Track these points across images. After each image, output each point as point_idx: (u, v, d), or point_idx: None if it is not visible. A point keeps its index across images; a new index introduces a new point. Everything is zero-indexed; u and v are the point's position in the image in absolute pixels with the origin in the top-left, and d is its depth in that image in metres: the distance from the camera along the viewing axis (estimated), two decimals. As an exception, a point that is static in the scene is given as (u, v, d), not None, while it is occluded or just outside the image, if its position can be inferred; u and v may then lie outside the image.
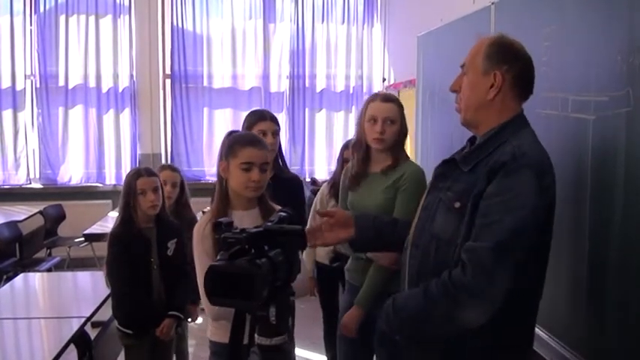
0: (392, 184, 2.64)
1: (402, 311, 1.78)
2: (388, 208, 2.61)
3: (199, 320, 3.54)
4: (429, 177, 2.19)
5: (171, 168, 3.65)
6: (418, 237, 1.92)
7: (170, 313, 3.13)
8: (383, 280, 2.61)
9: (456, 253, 1.77)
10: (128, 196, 3.08)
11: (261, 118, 2.93)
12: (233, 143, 2.32)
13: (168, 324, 3.11)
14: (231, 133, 2.41)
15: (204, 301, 2.18)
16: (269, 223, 1.54)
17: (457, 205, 1.80)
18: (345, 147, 3.69)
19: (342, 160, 3.63)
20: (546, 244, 1.83)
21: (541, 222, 1.75)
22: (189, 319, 3.47)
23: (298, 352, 3.01)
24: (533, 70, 1.92)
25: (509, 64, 1.86)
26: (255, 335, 1.50)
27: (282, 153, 3.03)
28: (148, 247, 3.12)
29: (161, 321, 3.09)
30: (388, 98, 2.77)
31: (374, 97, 2.77)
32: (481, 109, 1.87)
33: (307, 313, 3.06)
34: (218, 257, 1.41)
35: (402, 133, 2.72)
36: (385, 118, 2.65)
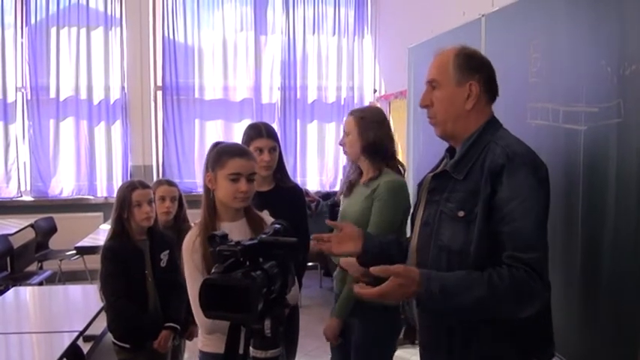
0: (370, 194, 2.73)
1: (455, 297, 1.73)
2: (366, 216, 2.70)
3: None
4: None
5: (169, 183, 3.60)
6: (423, 253, 1.94)
7: (167, 325, 3.12)
8: None
9: (470, 261, 1.79)
10: (121, 208, 3.08)
11: (258, 134, 2.90)
12: (220, 154, 2.31)
13: (165, 336, 3.10)
14: (216, 145, 2.40)
15: (196, 315, 2.18)
16: (263, 235, 1.54)
17: (461, 214, 1.84)
18: None
19: None
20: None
21: (546, 214, 1.82)
22: (188, 338, 3.46)
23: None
24: (495, 73, 1.97)
25: (480, 72, 1.92)
26: (250, 348, 1.49)
27: (282, 163, 3.02)
28: (142, 260, 3.11)
29: (157, 333, 3.08)
30: (349, 113, 2.92)
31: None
32: (460, 119, 1.92)
33: (301, 324, 3.06)
34: (213, 270, 1.41)
35: (362, 143, 2.76)
36: (345, 131, 2.84)
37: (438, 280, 1.74)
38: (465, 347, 1.87)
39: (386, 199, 2.67)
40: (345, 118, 2.89)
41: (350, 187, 2.88)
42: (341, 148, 2.91)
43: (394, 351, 2.83)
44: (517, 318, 1.75)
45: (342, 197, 2.98)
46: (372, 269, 1.73)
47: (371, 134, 2.76)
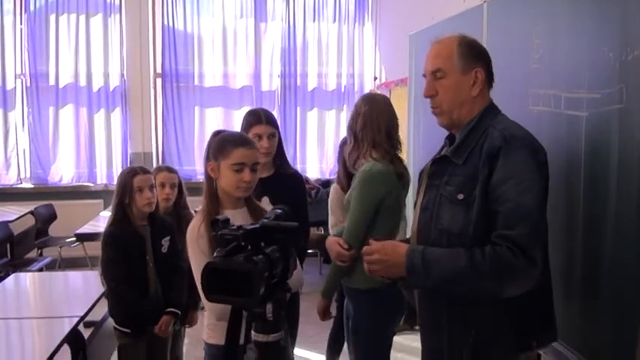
0: (353, 182, 2.77)
1: (435, 267, 1.80)
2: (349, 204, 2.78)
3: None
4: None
5: (169, 169, 3.60)
6: (424, 236, 1.97)
7: (168, 310, 3.13)
8: (338, 274, 2.80)
9: (469, 243, 1.82)
10: (123, 194, 3.08)
11: (257, 121, 2.89)
12: (224, 144, 2.30)
13: (166, 321, 3.11)
14: (217, 133, 2.39)
15: (205, 301, 2.18)
16: (265, 220, 1.54)
17: (460, 196, 1.87)
18: (344, 143, 3.72)
19: (342, 157, 3.68)
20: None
21: (545, 196, 1.86)
22: (188, 325, 3.47)
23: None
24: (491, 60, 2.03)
25: (482, 59, 1.98)
26: (252, 332, 1.50)
27: (282, 150, 3.02)
28: (143, 246, 3.12)
29: (158, 318, 3.10)
30: None
31: None
32: (465, 105, 1.96)
33: (301, 310, 3.06)
34: (215, 254, 1.41)
35: (355, 127, 2.80)
36: None
37: (422, 253, 1.83)
38: (464, 328, 1.89)
39: (356, 188, 2.71)
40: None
41: None
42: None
43: (391, 334, 2.84)
44: (501, 297, 1.78)
45: None
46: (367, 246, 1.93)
47: (354, 124, 2.81)
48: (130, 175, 3.12)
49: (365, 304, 2.76)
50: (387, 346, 2.84)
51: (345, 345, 3.18)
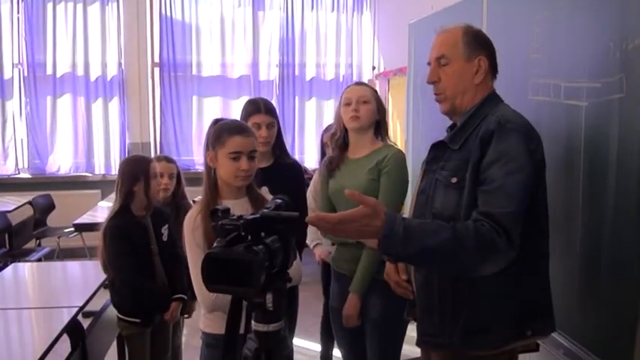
0: (375, 165, 2.70)
1: (417, 237, 1.72)
2: (372, 190, 2.65)
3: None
4: (418, 163, 2.22)
5: (167, 159, 3.61)
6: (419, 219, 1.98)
7: (175, 296, 3.17)
8: (375, 263, 2.66)
9: None
10: (133, 182, 3.07)
11: (256, 110, 2.88)
12: (220, 132, 2.29)
13: (175, 307, 3.16)
14: (216, 122, 2.37)
15: (198, 292, 2.18)
16: (265, 210, 1.53)
17: (454, 180, 1.90)
18: (326, 131, 3.72)
19: (323, 145, 3.68)
20: (543, 207, 1.92)
21: (533, 184, 1.85)
22: (186, 315, 3.48)
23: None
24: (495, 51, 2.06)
25: (486, 48, 2.01)
26: (252, 322, 1.49)
27: (281, 140, 3.01)
28: (147, 235, 3.12)
29: (166, 306, 3.14)
30: (361, 83, 2.96)
31: (348, 86, 2.94)
32: (467, 92, 1.99)
33: (299, 300, 3.06)
34: (215, 244, 1.41)
35: (379, 115, 2.80)
36: (358, 97, 2.76)
37: (403, 220, 1.74)
38: (454, 312, 1.91)
39: (397, 170, 2.68)
40: (356, 87, 2.85)
41: (337, 164, 2.86)
42: (343, 116, 2.81)
43: (406, 322, 2.80)
44: (475, 274, 1.78)
45: (324, 176, 2.92)
46: (346, 191, 1.71)
47: (382, 109, 2.82)
48: (144, 161, 3.16)
49: (395, 294, 2.68)
50: (404, 333, 2.80)
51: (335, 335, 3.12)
